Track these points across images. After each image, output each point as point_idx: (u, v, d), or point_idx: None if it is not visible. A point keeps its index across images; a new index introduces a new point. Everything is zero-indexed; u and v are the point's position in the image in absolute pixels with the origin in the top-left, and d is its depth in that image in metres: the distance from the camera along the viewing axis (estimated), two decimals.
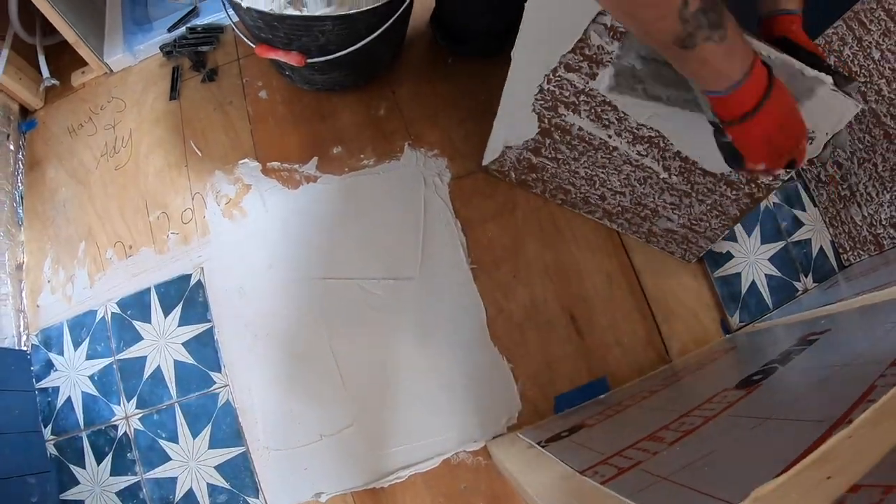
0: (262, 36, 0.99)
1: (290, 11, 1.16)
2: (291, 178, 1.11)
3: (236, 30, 1.04)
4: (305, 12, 1.18)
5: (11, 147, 1.28)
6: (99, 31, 1.33)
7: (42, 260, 1.20)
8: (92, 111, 1.28)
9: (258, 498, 1.01)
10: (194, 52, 1.25)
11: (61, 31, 1.23)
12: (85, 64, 1.31)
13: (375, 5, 0.94)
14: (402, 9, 1.00)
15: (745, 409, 0.60)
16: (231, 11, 1.03)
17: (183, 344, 1.06)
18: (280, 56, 0.98)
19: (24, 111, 1.34)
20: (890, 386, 0.43)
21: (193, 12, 1.31)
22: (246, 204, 1.11)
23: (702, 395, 0.72)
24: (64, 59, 1.32)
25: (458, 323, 1.01)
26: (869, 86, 0.96)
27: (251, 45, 1.01)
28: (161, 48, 1.28)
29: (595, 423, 0.83)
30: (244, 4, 0.92)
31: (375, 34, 0.98)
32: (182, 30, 1.28)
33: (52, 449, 1.11)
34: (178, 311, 1.08)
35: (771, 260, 1.10)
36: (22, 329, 1.17)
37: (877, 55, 0.94)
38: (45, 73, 1.28)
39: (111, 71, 1.32)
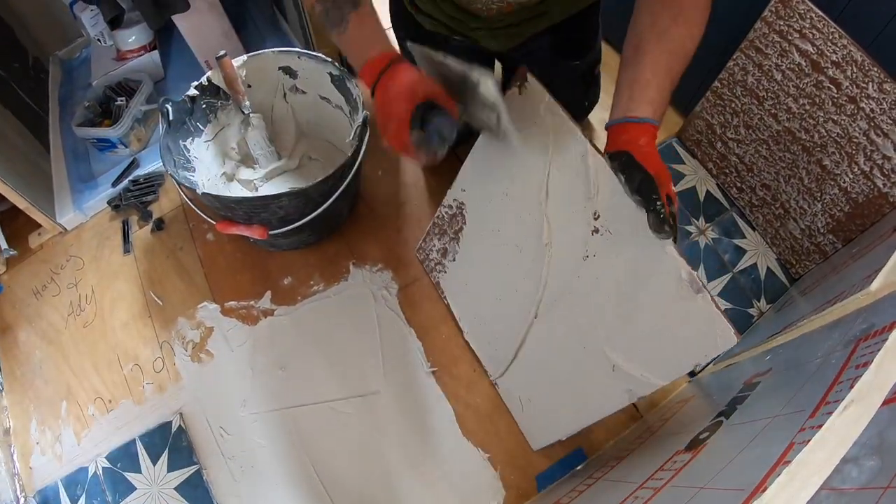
0: (222, 213, 1.08)
1: (243, 192, 1.24)
2: (250, 315, 1.20)
3: (195, 207, 1.10)
4: (260, 186, 1.26)
5: None
6: (48, 193, 1.40)
7: (28, 422, 1.27)
8: (53, 271, 1.35)
9: None
10: (140, 203, 1.34)
11: (11, 200, 1.31)
12: (40, 226, 1.38)
13: (325, 175, 1.01)
14: (353, 170, 1.08)
15: (687, 477, 0.64)
16: (185, 197, 1.10)
17: (175, 489, 1.13)
18: (243, 231, 1.06)
19: None
20: (806, 442, 0.42)
21: (134, 164, 1.39)
22: (211, 346, 1.19)
23: (656, 461, 0.76)
24: (19, 222, 1.39)
25: (430, 425, 1.09)
26: (778, 107, 1.04)
27: (211, 221, 1.09)
28: (109, 202, 1.37)
29: (568, 502, 0.90)
30: (199, 191, 1.01)
31: (331, 200, 1.06)
32: (125, 182, 1.36)
33: None
34: (165, 457, 1.15)
35: (721, 294, 1.17)
36: (19, 492, 1.24)
37: (778, 76, 1.01)
38: (3, 244, 1.35)
39: (66, 230, 1.39)
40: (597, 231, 0.79)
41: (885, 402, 0.43)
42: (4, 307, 1.37)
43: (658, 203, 0.63)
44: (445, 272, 1.13)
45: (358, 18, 0.70)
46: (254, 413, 1.14)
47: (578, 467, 1.06)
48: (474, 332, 1.12)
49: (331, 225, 1.23)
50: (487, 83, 0.68)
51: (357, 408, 1.12)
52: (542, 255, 0.89)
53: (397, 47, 0.75)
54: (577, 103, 1.20)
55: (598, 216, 0.78)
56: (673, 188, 0.65)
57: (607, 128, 0.70)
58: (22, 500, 1.23)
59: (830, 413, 0.44)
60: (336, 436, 1.11)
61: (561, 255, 0.87)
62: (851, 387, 0.45)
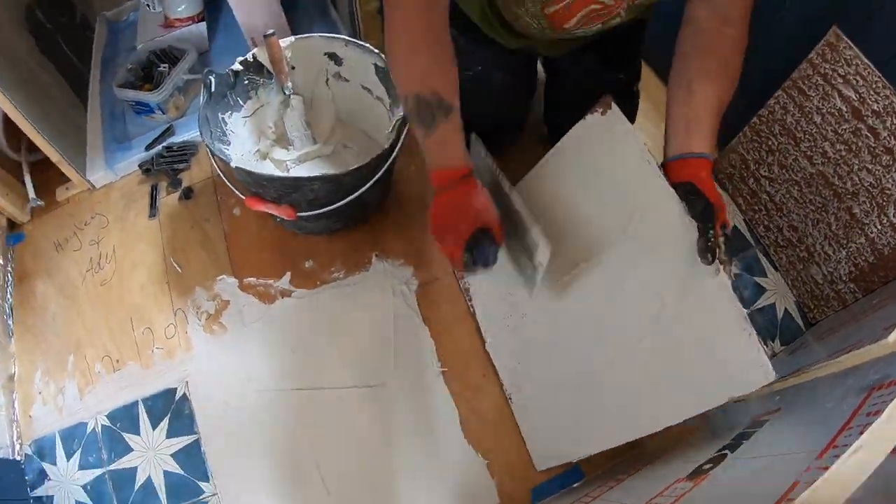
0: (252, 190, 1.09)
1: (277, 173, 1.25)
2: (267, 294, 1.21)
3: (226, 181, 1.11)
4: (291, 168, 1.27)
5: (0, 261, 1.35)
6: (81, 149, 1.42)
7: (33, 372, 1.28)
8: (77, 227, 1.36)
9: None
10: (171, 170, 1.35)
11: (44, 151, 1.32)
12: (69, 180, 1.39)
13: (361, 164, 1.02)
14: (388, 162, 1.08)
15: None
16: (218, 169, 1.11)
17: (171, 455, 1.14)
18: (271, 209, 1.06)
19: (12, 224, 1.42)
20: (811, 483, 0.43)
21: (169, 131, 1.40)
22: (225, 319, 1.20)
23: (656, 487, 0.75)
24: (49, 174, 1.41)
25: (433, 424, 1.09)
26: (814, 149, 1.04)
27: (241, 196, 1.10)
28: (140, 166, 1.38)
29: None
30: (232, 164, 1.01)
31: (363, 189, 1.07)
32: (159, 148, 1.38)
33: None
34: (165, 423, 1.16)
35: None
36: (16, 439, 1.24)
37: (818, 119, 1.01)
38: (32, 194, 1.36)
39: (94, 187, 1.40)
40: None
41: (895, 451, 0.44)
42: (25, 256, 1.38)
43: (710, 231, 0.67)
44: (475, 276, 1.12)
45: (446, 126, 0.74)
46: (259, 391, 1.14)
47: (575, 485, 1.06)
48: (497, 343, 1.12)
49: (359, 214, 1.23)
50: (545, 251, 0.78)
51: (363, 398, 1.12)
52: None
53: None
54: None
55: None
56: (728, 219, 0.70)
57: (666, 163, 0.75)
58: (18, 447, 1.24)
59: (838, 456, 0.44)
60: (338, 423, 1.11)
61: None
62: (862, 433, 0.46)
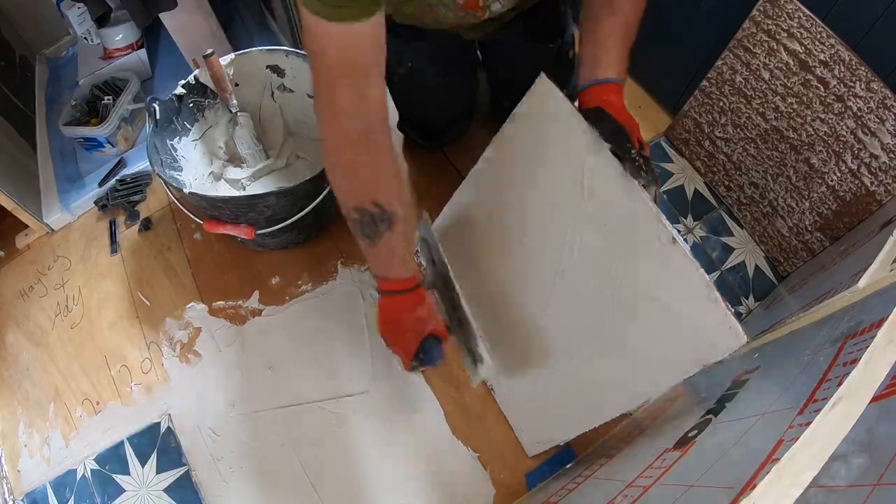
0: (209, 213, 1.07)
1: (231, 191, 1.23)
2: (238, 315, 1.19)
3: (182, 207, 1.10)
4: (247, 185, 1.25)
5: None
6: (35, 193, 1.39)
7: (15, 425, 1.26)
8: (40, 272, 1.34)
9: None
10: (127, 203, 1.33)
11: None
12: (26, 226, 1.37)
13: (313, 174, 1.00)
14: None
15: (676, 475, 0.63)
16: (172, 196, 1.10)
17: (164, 490, 1.13)
18: (230, 230, 1.05)
19: None
20: (794, 440, 0.43)
21: (121, 164, 1.38)
22: (199, 346, 1.18)
23: (645, 460, 0.76)
24: (6, 223, 1.38)
25: (419, 425, 1.09)
26: (766, 105, 1.05)
27: (199, 221, 1.08)
28: (95, 202, 1.36)
29: (557, 500, 0.90)
30: (186, 190, 1.00)
31: (318, 199, 1.06)
32: (112, 182, 1.35)
33: None
34: (153, 459, 1.15)
35: None
36: (7, 495, 1.23)
37: (766, 75, 1.01)
38: None
39: (53, 230, 1.38)
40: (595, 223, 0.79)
41: (874, 399, 0.43)
42: None
43: (632, 151, 0.68)
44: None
45: (390, 237, 0.74)
46: (242, 414, 1.13)
47: (568, 465, 1.06)
48: None
49: (319, 224, 1.22)
50: (488, 368, 0.84)
51: (346, 407, 1.11)
52: (557, 258, 0.88)
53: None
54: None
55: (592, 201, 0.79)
56: (642, 136, 0.71)
57: (577, 93, 0.76)
58: (10, 503, 1.22)
59: (819, 410, 0.44)
60: (325, 435, 1.10)
61: (570, 256, 0.86)
62: (840, 384, 0.45)
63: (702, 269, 0.68)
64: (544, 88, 0.81)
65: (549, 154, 0.85)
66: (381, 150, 0.71)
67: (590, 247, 0.81)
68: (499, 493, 1.04)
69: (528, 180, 0.90)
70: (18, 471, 1.24)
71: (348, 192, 0.73)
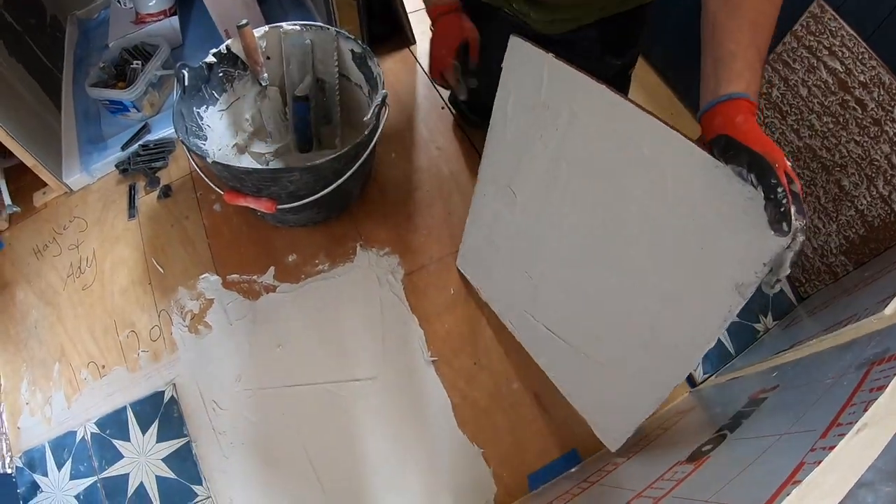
0: (230, 184, 1.05)
1: (254, 164, 1.21)
2: (251, 290, 1.18)
3: (203, 176, 1.08)
4: (270, 160, 1.24)
5: None
6: (56, 152, 1.38)
7: (19, 382, 1.25)
8: (55, 231, 1.33)
9: None
10: (148, 169, 1.31)
11: (19, 156, 1.29)
12: (45, 184, 1.36)
13: (338, 153, 0.99)
14: (368, 149, 1.05)
15: (689, 489, 0.60)
16: (194, 165, 1.08)
17: (163, 459, 1.11)
18: (250, 203, 1.04)
19: None
20: (817, 463, 0.41)
21: (145, 129, 1.37)
22: (210, 318, 1.17)
23: (656, 470, 0.74)
24: (25, 180, 1.37)
25: (425, 415, 1.07)
26: (801, 122, 1.02)
27: (219, 191, 1.07)
28: (116, 166, 1.34)
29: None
30: (209, 160, 0.98)
31: (343, 178, 1.04)
32: (135, 147, 1.34)
33: None
34: (155, 427, 1.13)
35: None
36: (5, 451, 1.22)
37: (804, 92, 0.99)
38: (8, 200, 1.33)
39: (71, 190, 1.37)
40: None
41: None
42: (4, 264, 1.35)
43: (779, 189, 0.51)
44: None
45: None
46: (248, 389, 1.11)
47: (573, 469, 1.03)
48: (520, 322, 1.06)
49: (340, 204, 1.20)
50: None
51: (353, 392, 1.10)
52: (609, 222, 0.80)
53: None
54: None
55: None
56: (789, 164, 0.53)
57: (699, 120, 0.62)
58: (8, 459, 1.21)
59: (843, 435, 0.43)
60: (330, 418, 1.09)
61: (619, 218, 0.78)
62: (865, 409, 0.44)
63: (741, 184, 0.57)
64: (519, 47, 0.82)
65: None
66: None
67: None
68: (500, 492, 1.02)
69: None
70: (18, 428, 1.23)
71: None
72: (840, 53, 0.91)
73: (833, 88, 0.94)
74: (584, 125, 0.78)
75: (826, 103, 0.96)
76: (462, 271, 1.15)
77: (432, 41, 0.97)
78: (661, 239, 0.72)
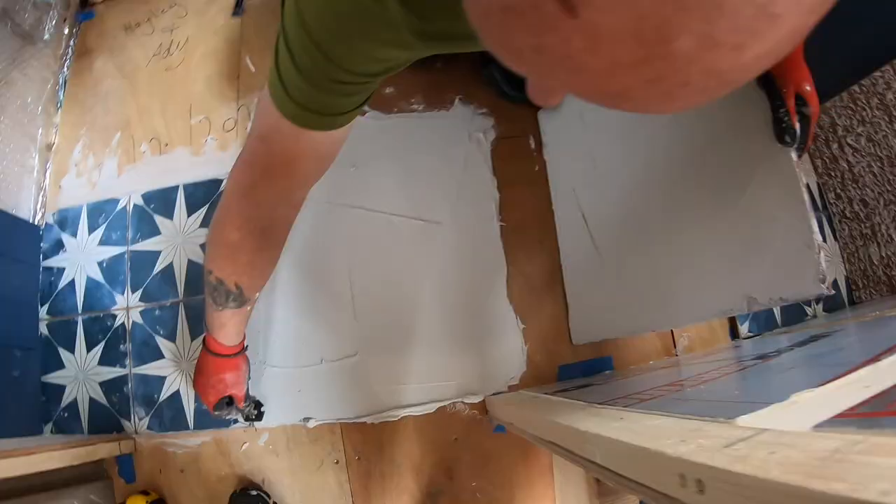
0: None
1: None
2: None
3: None
4: None
5: (66, 31, 1.28)
6: None
7: (73, 144, 1.20)
8: (152, 13, 1.29)
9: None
10: None
11: None
12: None
13: None
14: None
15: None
16: None
17: (200, 245, 1.05)
18: None
19: (84, 1, 1.34)
20: None
21: None
22: None
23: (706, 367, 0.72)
24: None
25: (478, 274, 1.01)
26: None
27: None
28: None
29: (603, 382, 0.82)
30: None
31: None
32: None
33: (43, 328, 1.10)
34: (202, 212, 1.07)
35: None
36: (39, 206, 1.17)
37: None
38: None
39: None
40: None
41: None
42: (90, 33, 1.31)
43: (781, 109, 0.60)
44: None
45: (235, 312, 0.76)
46: (310, 199, 1.05)
47: (605, 373, 0.98)
48: (563, 204, 1.04)
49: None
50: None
51: (415, 230, 1.03)
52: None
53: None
54: None
55: None
56: (807, 88, 0.61)
57: None
58: (39, 214, 1.16)
59: None
60: (383, 249, 1.03)
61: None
62: None
63: (812, 213, 0.64)
64: None
65: None
66: (270, 245, 0.71)
67: None
68: (528, 372, 0.98)
69: None
70: (60, 186, 1.18)
71: (221, 263, 0.71)
72: None
73: None
74: None
75: None
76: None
77: (197, 371, 0.85)
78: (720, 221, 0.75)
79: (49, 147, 1.21)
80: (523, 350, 0.99)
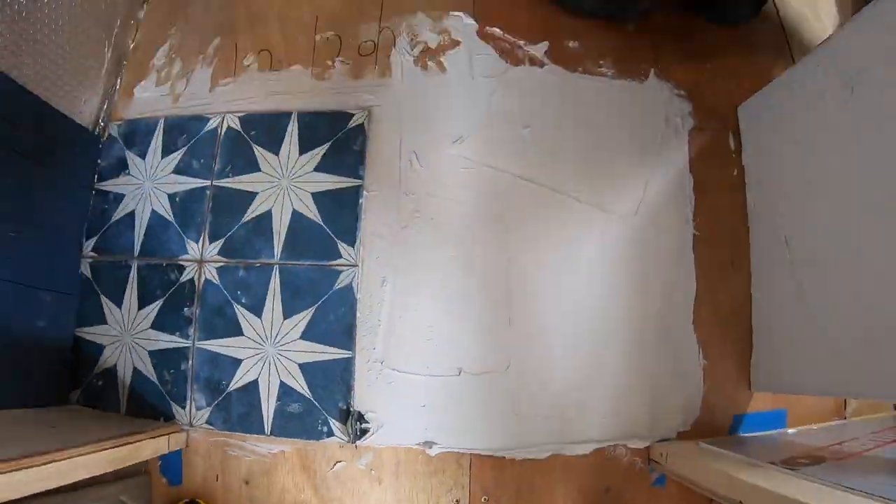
0: None
1: None
2: (512, 53, 0.87)
3: None
4: None
5: None
6: None
7: (157, 45, 0.95)
8: None
9: (343, 423, 0.73)
10: None
11: None
12: None
13: None
14: None
15: None
16: None
17: (313, 194, 0.80)
18: None
19: None
20: None
21: None
22: (448, 60, 0.86)
23: None
24: None
25: (663, 290, 0.77)
26: None
27: None
28: None
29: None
30: None
31: None
32: None
33: (85, 268, 0.85)
34: (320, 151, 0.82)
35: None
36: (103, 113, 0.91)
37: None
38: None
39: None
40: None
41: None
42: None
43: None
44: None
45: None
46: (466, 158, 0.80)
47: (777, 431, 0.78)
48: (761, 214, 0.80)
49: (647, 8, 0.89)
50: None
51: (593, 219, 0.79)
52: None
53: None
54: None
55: None
56: None
57: None
58: (102, 124, 0.91)
59: None
60: (553, 238, 0.79)
61: None
62: None
63: None
64: None
65: None
66: None
67: None
68: (700, 418, 0.76)
69: None
70: (132, 93, 0.92)
71: None
72: None
73: None
74: None
75: None
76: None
77: None
78: None
79: (126, 43, 0.96)
80: (700, 391, 0.76)
